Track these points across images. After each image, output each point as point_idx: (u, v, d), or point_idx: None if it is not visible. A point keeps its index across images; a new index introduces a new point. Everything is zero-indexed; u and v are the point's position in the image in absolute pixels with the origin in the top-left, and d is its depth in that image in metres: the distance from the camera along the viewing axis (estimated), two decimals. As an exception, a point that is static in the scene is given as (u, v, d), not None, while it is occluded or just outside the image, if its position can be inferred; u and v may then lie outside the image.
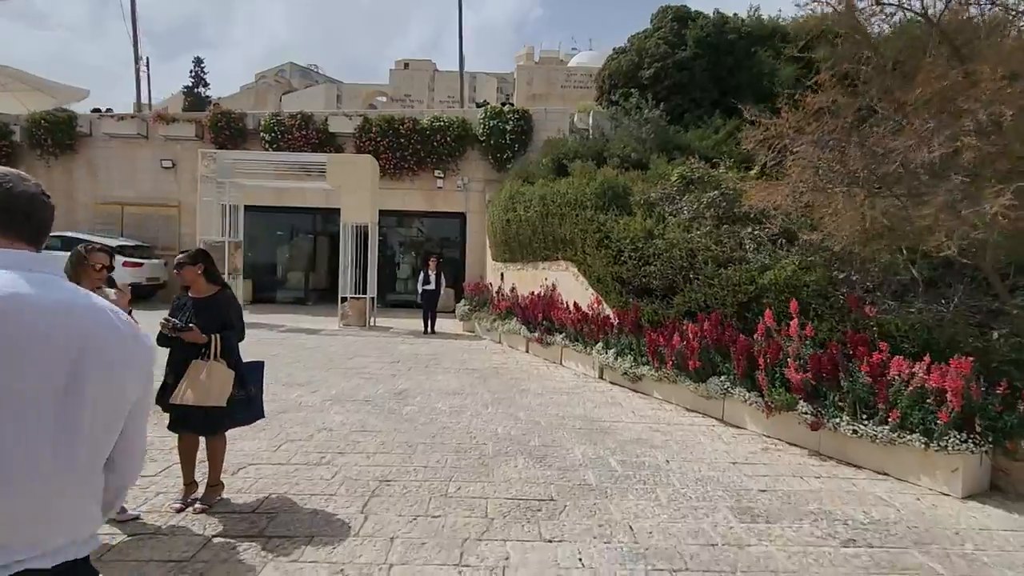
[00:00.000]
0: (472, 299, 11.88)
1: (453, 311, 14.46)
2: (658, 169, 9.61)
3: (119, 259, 13.90)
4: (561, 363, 8.37)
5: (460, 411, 5.64)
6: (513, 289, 10.69)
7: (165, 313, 3.38)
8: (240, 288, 12.11)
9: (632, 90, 12.93)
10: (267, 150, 14.64)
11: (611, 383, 7.16)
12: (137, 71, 20.88)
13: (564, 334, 8.16)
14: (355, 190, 11.51)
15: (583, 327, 7.72)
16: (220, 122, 15.02)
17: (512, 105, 16.05)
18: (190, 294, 3.42)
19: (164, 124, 15.25)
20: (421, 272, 11.33)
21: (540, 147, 14.93)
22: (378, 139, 14.92)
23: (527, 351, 9.30)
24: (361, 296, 11.80)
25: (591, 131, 14.55)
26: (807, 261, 5.29)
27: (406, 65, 49.75)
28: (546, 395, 6.45)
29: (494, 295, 11.23)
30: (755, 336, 5.20)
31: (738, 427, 5.35)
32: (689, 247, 6.35)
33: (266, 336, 10.09)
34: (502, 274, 11.56)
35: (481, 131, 15.14)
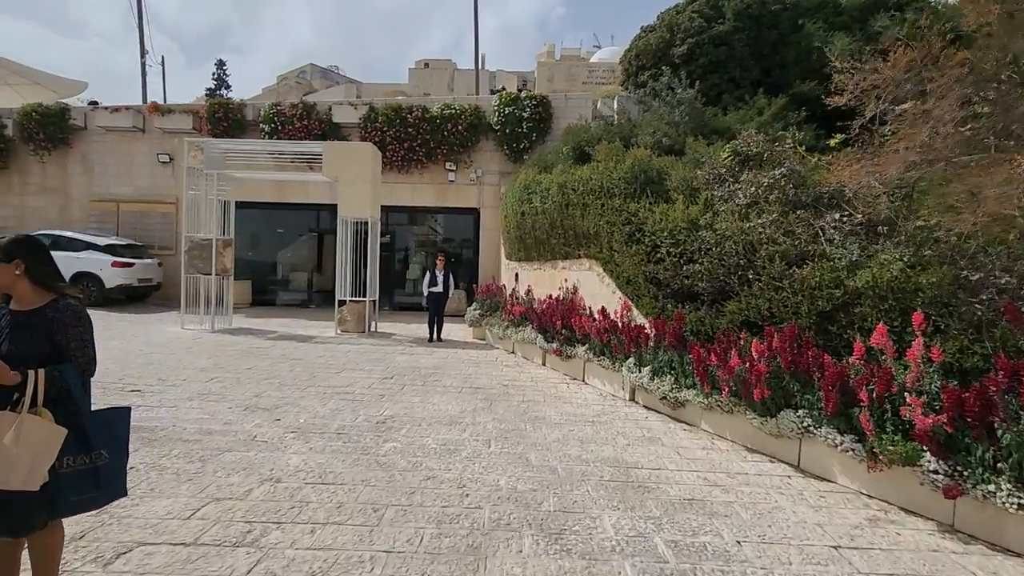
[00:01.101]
0: (483, 303, 10.65)
1: (464, 315, 13.28)
2: (695, 154, 8.23)
3: (108, 259, 13.11)
4: (584, 380, 7.07)
5: (454, 450, 4.39)
6: (529, 292, 9.43)
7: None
8: (230, 290, 11.09)
9: (663, 68, 11.56)
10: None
11: (645, 407, 5.84)
12: (143, 65, 20.23)
13: (587, 346, 6.86)
14: (354, 181, 10.37)
15: (610, 338, 6.42)
16: (217, 112, 14.08)
17: (529, 91, 14.79)
18: (11, 305, 2.24)
19: (160, 116, 14.37)
20: (427, 272, 10.13)
21: (559, 136, 13.66)
22: (385, 129, 13.80)
23: (543, 364, 8.02)
24: (361, 299, 10.66)
25: (616, 117, 13.19)
26: (920, 257, 3.90)
27: (426, 65, 49.16)
28: (565, 425, 5.17)
29: (507, 298, 9.98)
30: (850, 359, 3.84)
31: (823, 479, 4.00)
32: (747, 240, 5.01)
33: (250, 345, 9.00)
34: (516, 275, 10.31)
35: (496, 119, 13.91)
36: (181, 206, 14.38)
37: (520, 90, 14.45)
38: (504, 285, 10.87)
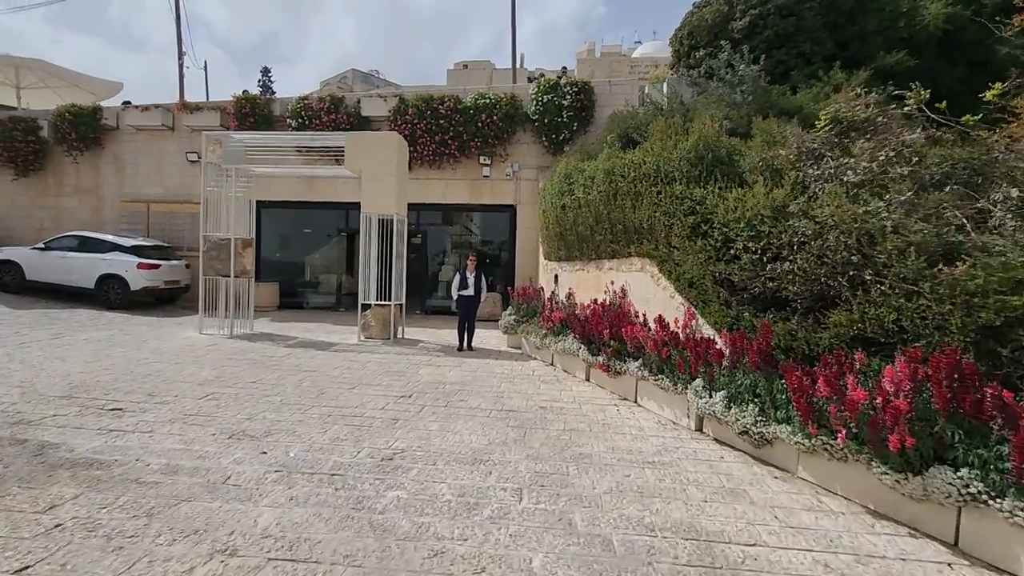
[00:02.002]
0: (519, 307, 9.61)
1: (499, 320, 12.29)
2: (765, 136, 6.93)
3: (133, 260, 12.74)
4: (636, 401, 5.93)
5: (474, 505, 3.36)
6: (570, 295, 8.33)
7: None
8: (251, 293, 10.44)
9: (722, 43, 10.25)
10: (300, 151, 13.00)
11: (717, 441, 4.67)
12: (180, 66, 20.17)
13: (641, 361, 5.72)
14: (378, 175, 9.52)
15: (671, 353, 5.27)
16: (244, 108, 13.58)
17: (569, 76, 13.69)
18: None
19: (188, 113, 13.99)
20: (457, 274, 9.17)
21: (603, 125, 12.51)
22: (415, 121, 12.97)
23: (587, 379, 6.92)
24: (386, 303, 9.80)
25: (667, 102, 11.94)
26: None
27: (465, 66, 48.83)
28: (619, 467, 4.06)
29: (545, 303, 8.90)
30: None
31: (1000, 570, 2.76)
32: (863, 229, 3.78)
33: (263, 353, 8.24)
34: (556, 276, 9.22)
35: (533, 108, 12.87)
36: (221, 208, 14.01)
37: (560, 77, 13.38)
38: (542, 288, 9.80)
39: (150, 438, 4.36)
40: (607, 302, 7.05)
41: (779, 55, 10.55)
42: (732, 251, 5.02)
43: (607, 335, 6.27)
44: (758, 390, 4.21)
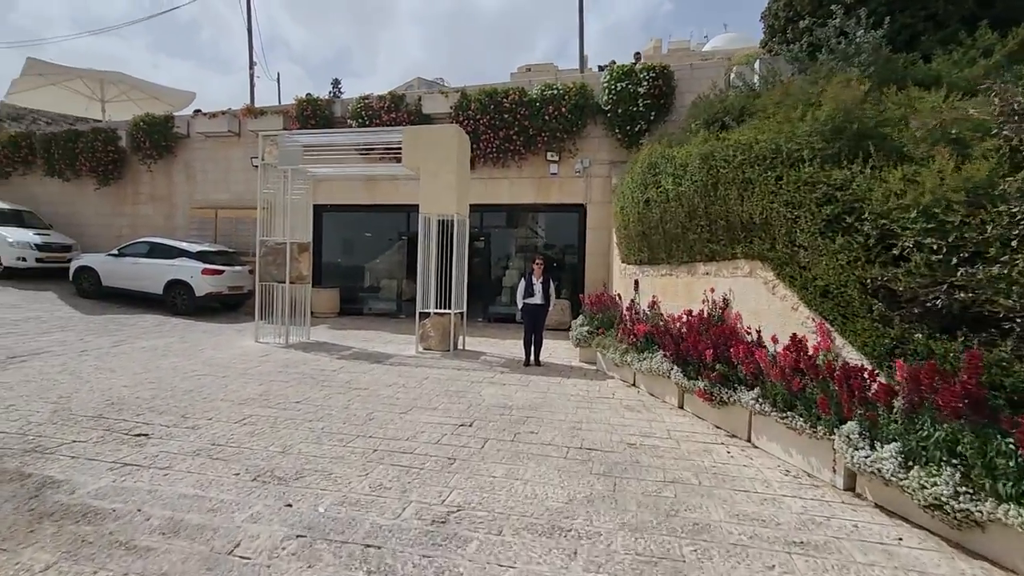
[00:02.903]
0: (592, 317, 8.52)
1: (568, 329, 11.23)
2: (907, 103, 5.48)
3: (198, 266, 12.69)
4: (750, 441, 4.72)
5: (557, 614, 2.35)
6: (653, 304, 7.17)
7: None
8: (308, 300, 9.96)
9: (834, 8, 8.73)
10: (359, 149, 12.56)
11: (882, 510, 3.41)
12: (251, 76, 20.56)
13: (759, 392, 4.51)
14: (436, 172, 8.75)
15: (805, 384, 4.04)
16: (306, 110, 13.32)
17: (645, 62, 12.46)
18: None
19: (253, 118, 13.92)
20: (522, 279, 8.21)
21: (684, 114, 11.21)
22: (478, 117, 12.19)
23: (680, 406, 5.76)
24: (446, 311, 9.00)
25: (761, 82, 10.48)
26: None
27: (528, 69, 48.20)
28: (754, 550, 2.92)
29: (624, 313, 7.77)
30: None
31: None
32: None
33: (316, 366, 7.62)
34: (636, 282, 8.06)
35: (605, 98, 11.76)
36: (278, 211, 13.87)
37: (635, 63, 12.18)
38: (619, 295, 8.66)
39: (164, 477, 3.66)
40: (704, 313, 5.85)
41: (903, 19, 8.89)
42: (894, 250, 3.75)
43: (710, 356, 5.09)
44: (960, 447, 2.94)
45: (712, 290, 5.98)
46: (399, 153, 9.25)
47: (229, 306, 13.27)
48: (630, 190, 7.56)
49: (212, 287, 12.20)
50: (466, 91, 12.70)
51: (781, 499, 3.60)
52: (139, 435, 4.50)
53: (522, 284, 8.16)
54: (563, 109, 11.84)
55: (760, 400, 4.45)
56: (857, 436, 3.50)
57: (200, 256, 12.37)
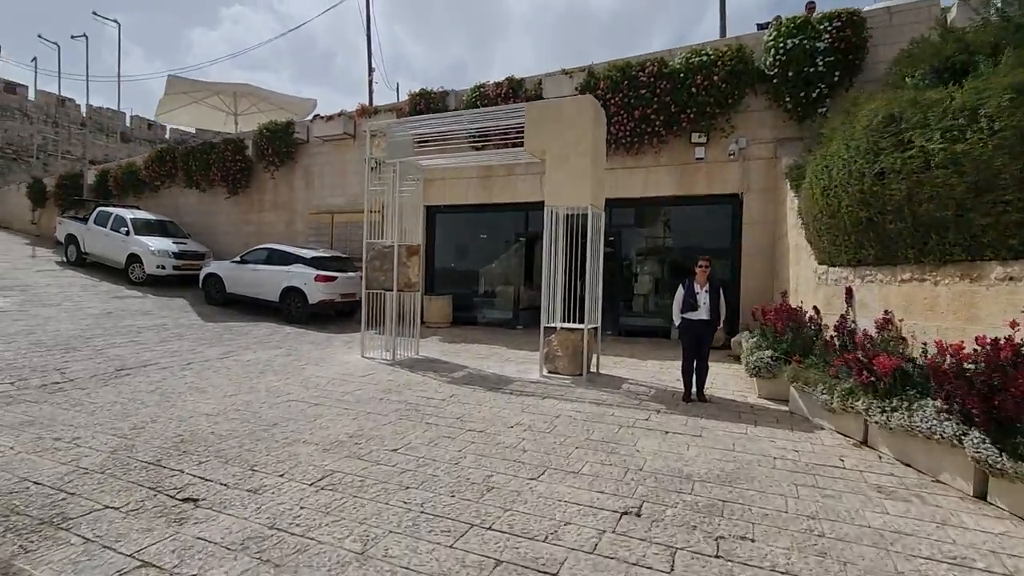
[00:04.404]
0: (775, 337, 6.36)
1: (722, 346, 9.05)
2: None
3: (312, 273, 12.19)
4: None
5: None
6: (886, 325, 4.89)
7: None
8: (418, 310, 8.82)
9: None
10: (474, 138, 11.36)
11: None
12: (370, 82, 20.58)
13: None
14: (566, 156, 7.12)
15: None
16: (419, 105, 12.45)
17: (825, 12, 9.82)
18: None
19: (367, 118, 13.34)
20: (682, 287, 6.28)
21: (879, 73, 8.55)
22: (608, 96, 10.41)
23: (980, 496, 3.53)
24: (577, 326, 7.32)
25: (999, 12, 7.56)
26: None
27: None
28: None
29: (832, 336, 5.55)
30: None
31: None
32: None
33: (423, 391, 6.30)
34: (848, 290, 5.76)
35: (770, 60, 9.41)
36: (387, 212, 13.17)
37: (808, 12, 9.60)
38: (816, 309, 6.38)
39: (181, 599, 2.35)
40: (1017, 341, 3.56)
41: None
42: None
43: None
44: None
45: (1028, 306, 3.66)
46: (519, 138, 7.77)
47: (343, 314, 12.72)
48: (843, 163, 5.33)
49: (325, 294, 11.64)
50: (593, 69, 10.99)
51: None
52: (187, 500, 3.33)
53: (680, 293, 6.23)
54: (715, 78, 9.68)
55: None
56: None
57: (314, 262, 11.90)
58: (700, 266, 6.19)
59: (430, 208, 13.18)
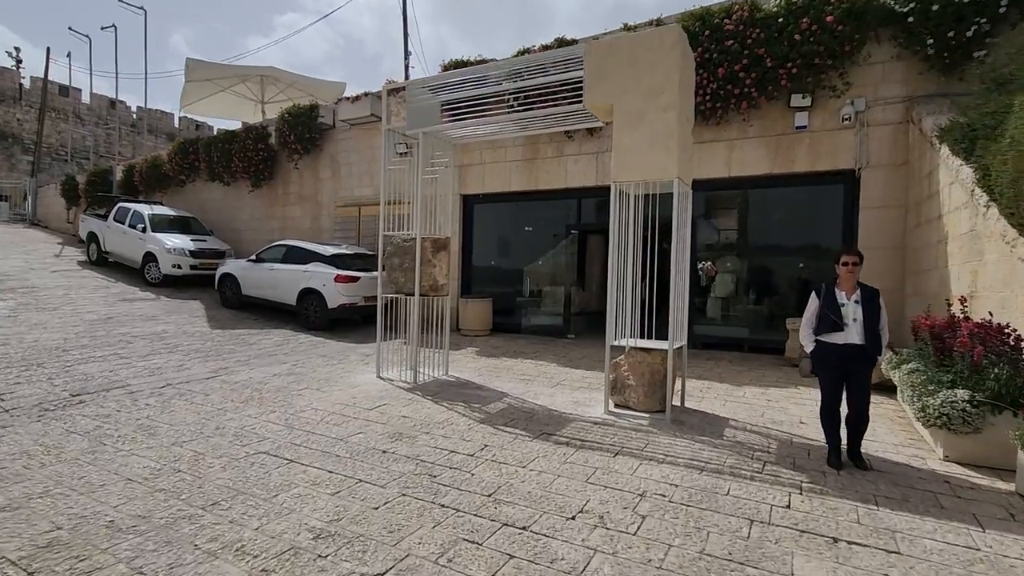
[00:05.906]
0: (973, 371, 4.26)
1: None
2: None
3: (331, 273, 8.26)
4: None
5: None
6: None
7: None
8: (446, 319, 7.10)
9: None
10: (514, 108, 9.51)
11: None
12: (406, 67, 19.17)
13: None
14: (641, 113, 5.20)
15: None
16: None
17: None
18: None
19: (395, 97, 11.73)
20: (816, 296, 4.27)
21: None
22: (682, 53, 8.35)
23: None
24: (653, 346, 5.40)
25: None
26: None
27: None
28: None
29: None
30: None
31: None
32: None
33: (446, 437, 4.53)
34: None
35: (904, -7, 7.16)
36: (415, 201, 11.55)
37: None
38: (1013, 329, 4.22)
39: None
40: None
41: None
42: None
43: None
44: None
45: None
46: (575, 97, 5.92)
47: (369, 319, 11.17)
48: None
49: (346, 297, 10.11)
50: (662, 20, 8.95)
51: None
52: None
53: (814, 305, 4.23)
54: (827, 19, 7.50)
55: None
56: None
57: (334, 260, 10.40)
58: (844, 264, 4.16)
59: (467, 198, 11.48)
